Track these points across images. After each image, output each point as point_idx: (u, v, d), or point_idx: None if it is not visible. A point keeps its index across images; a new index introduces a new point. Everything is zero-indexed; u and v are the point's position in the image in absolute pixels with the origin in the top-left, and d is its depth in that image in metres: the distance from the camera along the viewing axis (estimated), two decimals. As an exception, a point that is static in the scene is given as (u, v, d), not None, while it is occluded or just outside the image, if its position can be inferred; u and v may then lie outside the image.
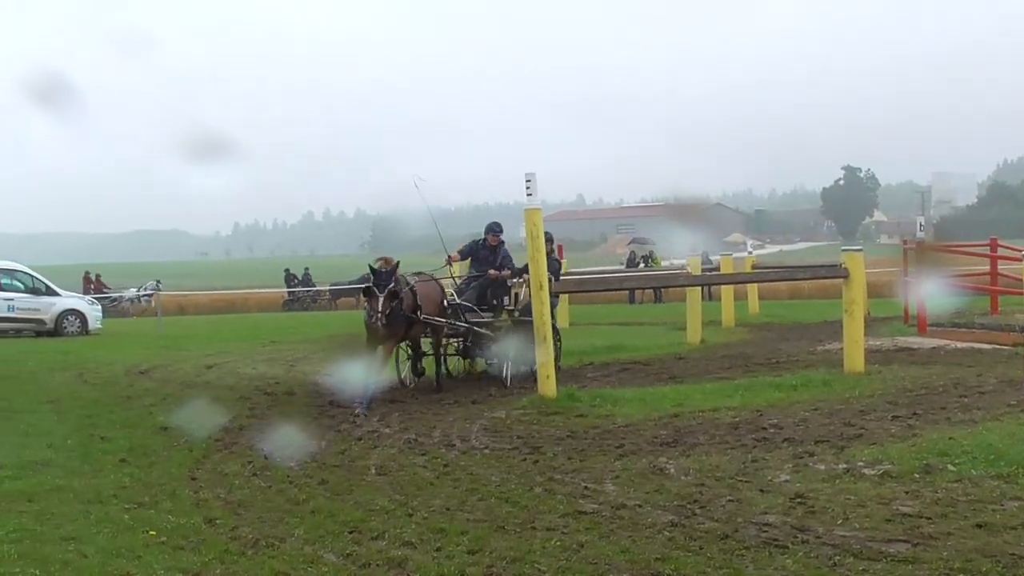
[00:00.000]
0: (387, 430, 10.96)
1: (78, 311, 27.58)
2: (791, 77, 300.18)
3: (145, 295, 44.17)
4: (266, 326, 29.60)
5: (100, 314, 28.55)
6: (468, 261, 14.88)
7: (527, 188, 12.50)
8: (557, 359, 13.90)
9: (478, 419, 11.42)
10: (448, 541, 6.70)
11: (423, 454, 9.67)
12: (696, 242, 25.19)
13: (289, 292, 45.50)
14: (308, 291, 45.22)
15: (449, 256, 14.34)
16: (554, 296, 13.58)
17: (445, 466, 9.08)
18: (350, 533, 6.98)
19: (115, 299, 43.90)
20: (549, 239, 14.14)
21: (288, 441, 10.03)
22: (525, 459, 9.28)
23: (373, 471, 9.00)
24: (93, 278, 45.18)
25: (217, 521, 7.38)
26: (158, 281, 46.37)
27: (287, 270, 47.76)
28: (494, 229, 14.58)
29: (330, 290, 44.42)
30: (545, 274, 12.68)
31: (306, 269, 48.10)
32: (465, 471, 8.86)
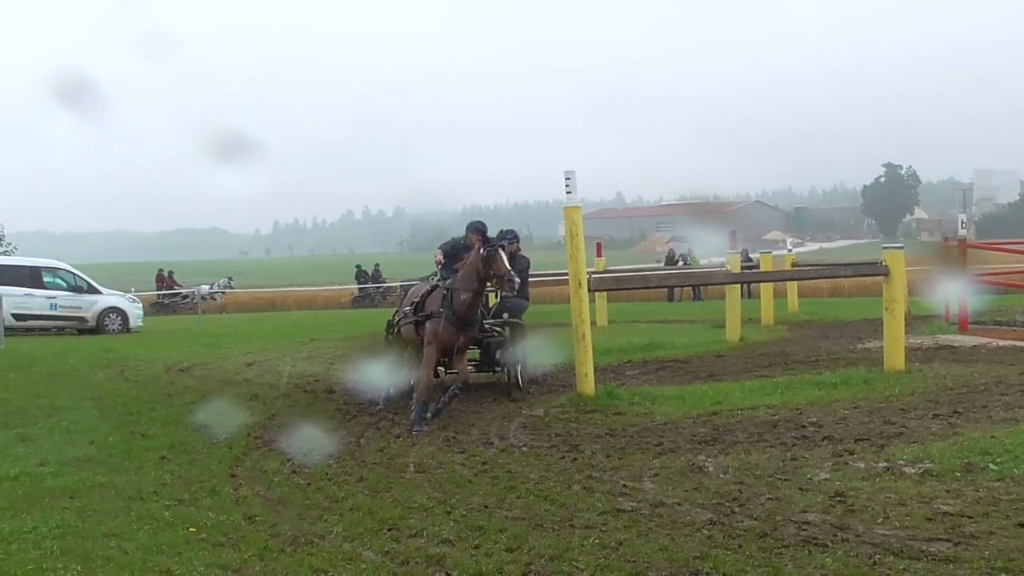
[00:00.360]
0: (425, 427, 10.99)
1: (119, 309, 27.91)
2: (830, 72, 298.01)
3: (219, 292, 44.56)
4: (306, 324, 29.76)
5: (141, 312, 28.86)
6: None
7: (567, 186, 12.47)
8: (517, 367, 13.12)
9: (516, 417, 11.42)
10: (486, 539, 6.70)
11: (461, 452, 9.68)
12: (719, 242, 24.88)
13: (360, 288, 45.79)
14: (379, 287, 45.39)
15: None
16: (524, 297, 13.26)
17: (483, 464, 9.09)
18: (389, 530, 7.00)
19: (187, 295, 44.33)
20: (514, 237, 12.91)
21: (322, 440, 10.10)
22: (563, 457, 9.27)
23: (412, 468, 9.03)
24: (166, 275, 46.21)
25: (257, 518, 7.43)
26: (230, 278, 46.76)
27: (358, 266, 48.22)
28: (479, 228, 12.12)
29: (401, 286, 44.58)
30: (584, 272, 12.67)
31: (376, 265, 48.38)
32: (503, 469, 8.87)
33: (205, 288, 45.02)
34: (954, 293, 18.40)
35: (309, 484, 8.53)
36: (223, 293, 44.86)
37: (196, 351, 20.26)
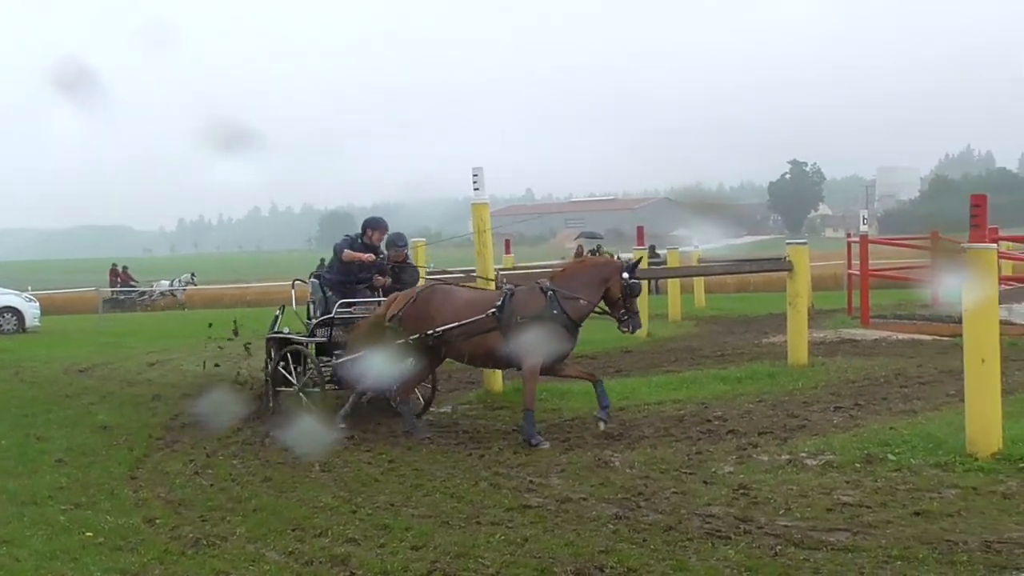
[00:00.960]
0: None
1: (14, 308, 27.02)
2: (737, 75, 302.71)
3: (180, 288, 43.15)
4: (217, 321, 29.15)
5: (38, 311, 27.94)
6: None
7: (474, 182, 12.44)
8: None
9: (424, 414, 11.35)
10: (392, 537, 6.66)
11: (368, 450, 9.60)
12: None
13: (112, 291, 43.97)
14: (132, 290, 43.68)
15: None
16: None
17: (390, 462, 9.02)
18: (293, 531, 6.90)
19: (145, 292, 42.94)
20: (404, 244, 12.04)
21: (227, 440, 9.94)
22: (471, 454, 9.25)
23: (317, 468, 8.91)
24: (120, 270, 43.94)
25: (157, 521, 7.27)
26: (192, 274, 45.28)
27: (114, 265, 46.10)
28: (378, 225, 11.68)
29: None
30: (492, 269, 12.66)
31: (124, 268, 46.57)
32: (410, 467, 8.81)
33: (165, 284, 43.80)
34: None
35: (212, 485, 8.37)
36: (184, 290, 43.27)
37: (97, 351, 19.82)
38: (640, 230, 22.29)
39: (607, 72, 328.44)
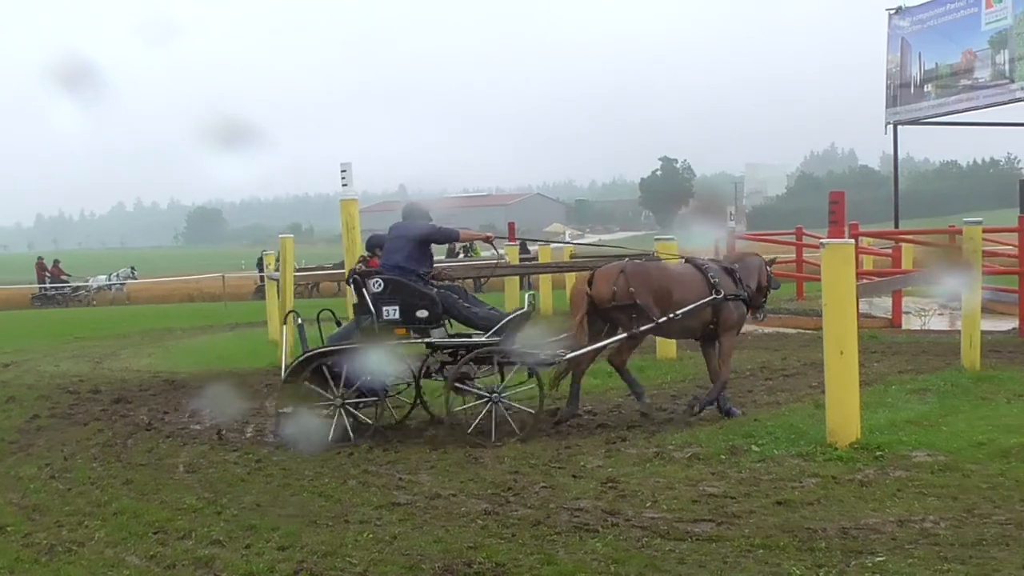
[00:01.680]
0: (197, 427, 10.63)
1: None
2: (610, 68, 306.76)
3: (118, 283, 40.98)
4: (75, 321, 28.34)
5: None
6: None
7: (343, 178, 12.34)
8: None
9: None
10: (258, 538, 6.53)
11: (235, 450, 9.39)
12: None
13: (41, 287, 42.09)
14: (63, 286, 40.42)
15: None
16: None
17: (257, 462, 8.85)
18: (155, 534, 6.71)
19: (78, 287, 40.50)
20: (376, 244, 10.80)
21: (87, 442, 9.63)
22: (340, 452, 9.12)
23: (181, 469, 8.70)
24: (48, 265, 40.09)
25: (9, 528, 6.98)
26: (132, 268, 43.06)
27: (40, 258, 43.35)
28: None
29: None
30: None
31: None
32: (278, 466, 8.66)
33: (102, 279, 41.63)
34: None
35: (70, 489, 8.08)
36: (123, 284, 41.11)
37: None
38: (511, 226, 22.38)
39: (480, 69, 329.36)
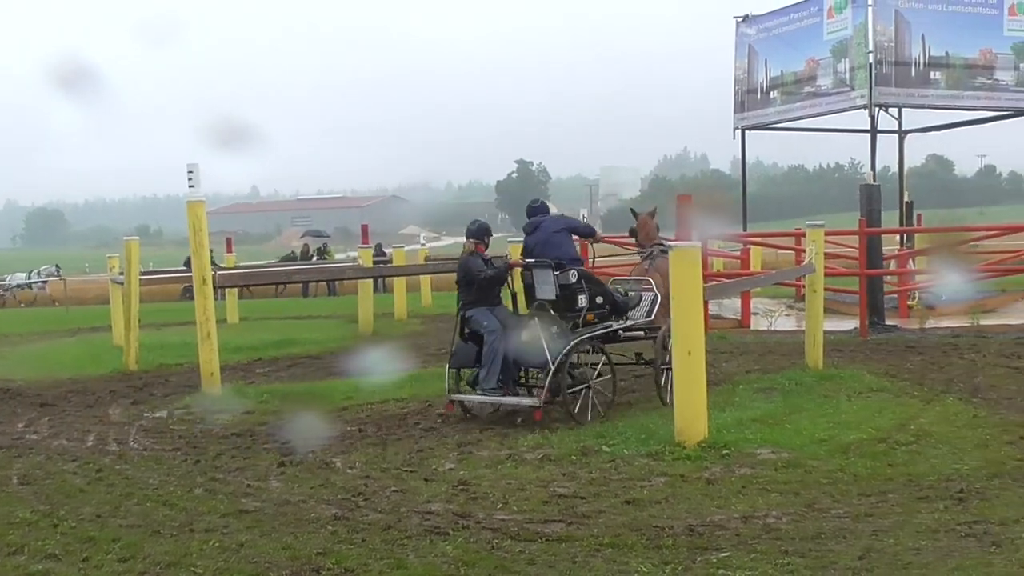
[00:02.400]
0: (34, 436, 10.22)
1: None
2: (464, 71, 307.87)
3: (39, 282, 38.14)
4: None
5: None
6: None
7: (189, 179, 12.02)
8: None
9: (137, 420, 10.87)
10: (97, 550, 6.30)
11: (74, 460, 9.04)
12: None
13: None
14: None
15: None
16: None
17: (98, 471, 8.54)
18: (-17, 550, 6.41)
19: None
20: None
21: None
22: (186, 460, 8.90)
23: (15, 481, 8.32)
24: None
25: None
26: (57, 266, 40.20)
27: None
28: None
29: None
30: (208, 268, 12.27)
31: None
32: (120, 475, 8.38)
33: (21, 277, 38.85)
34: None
35: None
36: (45, 283, 38.34)
37: None
38: (364, 228, 22.23)
39: (338, 73, 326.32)
